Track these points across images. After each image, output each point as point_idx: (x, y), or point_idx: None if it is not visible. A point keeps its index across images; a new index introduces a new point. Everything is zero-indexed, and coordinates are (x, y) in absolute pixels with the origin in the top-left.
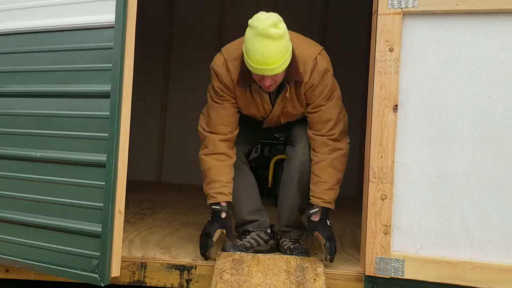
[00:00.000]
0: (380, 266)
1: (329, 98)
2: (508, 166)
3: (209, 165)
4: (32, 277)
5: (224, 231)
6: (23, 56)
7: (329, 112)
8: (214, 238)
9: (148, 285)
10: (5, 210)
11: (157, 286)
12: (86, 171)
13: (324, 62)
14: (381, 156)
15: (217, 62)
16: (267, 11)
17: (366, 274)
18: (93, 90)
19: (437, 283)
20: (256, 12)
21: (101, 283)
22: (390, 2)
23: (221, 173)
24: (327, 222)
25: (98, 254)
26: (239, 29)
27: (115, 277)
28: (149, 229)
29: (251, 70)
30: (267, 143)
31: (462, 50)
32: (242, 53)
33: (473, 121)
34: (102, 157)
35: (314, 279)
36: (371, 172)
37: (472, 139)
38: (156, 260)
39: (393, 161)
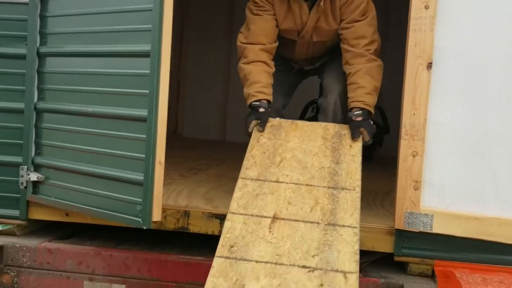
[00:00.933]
0: (410, 220)
1: (364, 15)
2: None
3: (250, 70)
4: (88, 220)
5: (259, 121)
6: (76, 19)
7: (364, 29)
8: (250, 129)
9: (191, 231)
10: (63, 159)
11: (199, 232)
12: (130, 125)
13: None
14: (414, 114)
15: None
16: None
17: (396, 227)
18: (135, 50)
19: (465, 238)
20: None
21: (144, 226)
22: None
23: (262, 76)
24: (370, 122)
25: (141, 200)
26: None
27: (162, 223)
28: (199, 182)
29: None
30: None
31: (500, 4)
32: None
33: (509, 80)
34: (143, 112)
35: (350, 146)
36: (403, 130)
37: (506, 99)
38: (198, 209)
39: (425, 119)
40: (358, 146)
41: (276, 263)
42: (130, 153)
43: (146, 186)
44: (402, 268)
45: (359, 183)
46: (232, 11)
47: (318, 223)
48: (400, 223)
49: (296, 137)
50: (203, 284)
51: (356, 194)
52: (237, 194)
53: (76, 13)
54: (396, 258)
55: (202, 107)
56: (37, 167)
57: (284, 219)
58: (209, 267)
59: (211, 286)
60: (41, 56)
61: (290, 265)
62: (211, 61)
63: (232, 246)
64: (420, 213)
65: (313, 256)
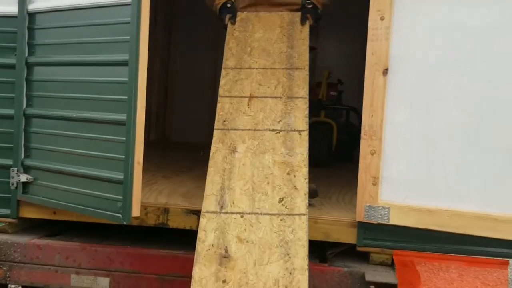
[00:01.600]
0: (369, 213)
1: None
2: (486, 123)
3: None
4: (74, 218)
5: (231, 15)
6: (61, 31)
7: None
8: (226, 22)
9: (170, 226)
10: (50, 161)
11: (178, 228)
12: (110, 129)
13: None
14: (371, 116)
15: None
16: None
17: (358, 220)
18: (114, 59)
19: (418, 228)
20: None
21: (123, 222)
22: None
23: None
24: (318, 11)
25: (121, 197)
26: None
27: (143, 219)
28: (180, 182)
29: None
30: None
31: (448, 18)
32: None
33: (457, 85)
34: (123, 116)
35: (301, 31)
36: (362, 130)
37: (454, 100)
38: (177, 206)
39: (381, 120)
40: (306, 30)
41: (254, 130)
42: (111, 154)
43: (125, 185)
44: (365, 258)
45: (307, 62)
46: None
47: (280, 97)
48: (360, 216)
49: (260, 28)
50: (182, 276)
51: (305, 72)
52: (222, 81)
53: (61, 25)
54: (359, 249)
55: (190, 111)
56: (26, 169)
57: (257, 97)
58: (187, 260)
59: (215, 150)
60: (29, 66)
61: (264, 130)
62: (198, 66)
63: (224, 121)
64: (378, 206)
65: (278, 122)
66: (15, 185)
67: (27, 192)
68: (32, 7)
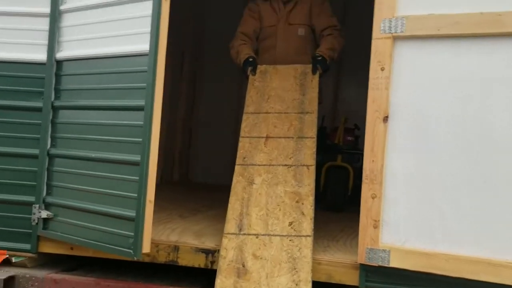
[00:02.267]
0: (370, 256)
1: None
2: (480, 171)
3: (239, 44)
4: (90, 253)
5: (252, 68)
6: (84, 77)
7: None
8: (248, 73)
9: (180, 264)
10: (70, 198)
11: (187, 265)
12: (125, 169)
13: None
14: (372, 161)
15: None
16: None
17: (359, 262)
18: (131, 104)
19: (418, 272)
20: None
21: (134, 257)
22: (382, 28)
23: (248, 48)
24: (326, 62)
25: (133, 234)
26: None
27: (155, 256)
28: (195, 222)
29: None
30: (320, 149)
31: (442, 69)
32: None
33: (452, 133)
34: (137, 157)
35: (311, 80)
36: (364, 174)
37: (450, 147)
38: (186, 244)
39: (382, 165)
40: (316, 79)
41: (269, 165)
42: (125, 192)
43: (137, 222)
44: None
45: (316, 107)
46: None
47: (292, 137)
48: (362, 258)
49: (277, 78)
50: None
51: (315, 115)
52: (243, 124)
53: (85, 72)
54: None
55: (213, 153)
56: (47, 206)
57: (272, 137)
58: None
59: (235, 182)
60: (55, 109)
61: (277, 165)
62: (222, 109)
63: (244, 158)
64: (379, 249)
65: (290, 158)
66: (36, 221)
67: (47, 228)
68: (59, 55)
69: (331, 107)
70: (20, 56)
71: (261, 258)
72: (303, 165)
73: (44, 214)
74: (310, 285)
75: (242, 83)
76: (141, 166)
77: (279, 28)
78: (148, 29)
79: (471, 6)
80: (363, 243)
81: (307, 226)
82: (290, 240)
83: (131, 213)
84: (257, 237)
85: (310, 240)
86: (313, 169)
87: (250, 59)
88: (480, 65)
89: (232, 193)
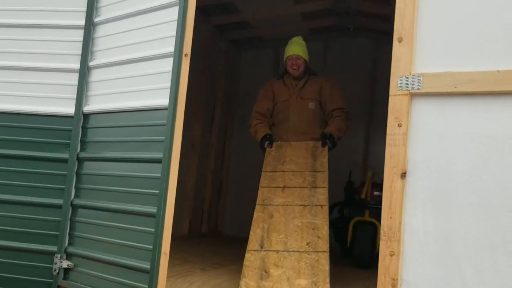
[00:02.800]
0: None
1: (336, 93)
2: (501, 232)
3: (255, 123)
4: None
5: (268, 142)
6: (108, 130)
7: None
8: (265, 146)
9: None
10: (90, 249)
11: None
12: (142, 220)
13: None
14: (390, 217)
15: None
16: None
17: None
18: (150, 157)
19: None
20: None
21: None
22: (399, 85)
23: (265, 126)
24: (334, 139)
25: (147, 286)
26: None
27: None
28: (216, 275)
29: (287, 54)
30: (347, 204)
31: (460, 126)
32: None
33: (471, 190)
34: (153, 209)
35: (321, 151)
36: (382, 231)
37: (469, 206)
38: None
39: (400, 222)
40: (326, 151)
41: (286, 205)
42: (141, 244)
43: (151, 274)
44: None
45: (326, 168)
46: None
47: (306, 187)
48: None
49: (291, 150)
50: None
51: (325, 173)
52: (262, 179)
53: (108, 125)
54: None
55: (242, 205)
56: (68, 256)
57: (289, 187)
58: None
59: (256, 216)
60: (80, 160)
61: (294, 205)
62: (252, 162)
63: (263, 200)
64: None
65: (305, 200)
66: (57, 271)
67: (67, 278)
68: (87, 109)
69: (362, 162)
70: (49, 109)
71: (282, 267)
72: (317, 205)
73: (65, 264)
74: (328, 286)
75: None
76: (157, 218)
77: (291, 102)
78: (168, 84)
79: (488, 64)
80: None
81: (323, 244)
82: (307, 254)
83: (146, 265)
84: (277, 253)
85: (326, 254)
86: (326, 208)
87: (267, 136)
88: (499, 123)
89: (253, 223)
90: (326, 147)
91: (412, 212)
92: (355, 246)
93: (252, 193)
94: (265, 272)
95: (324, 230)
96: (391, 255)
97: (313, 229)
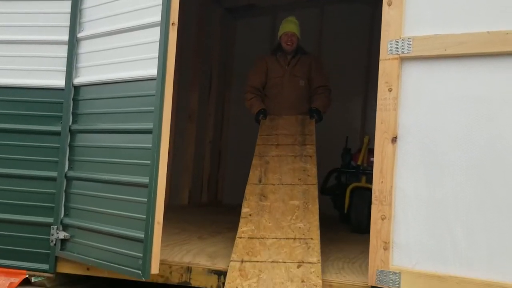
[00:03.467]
0: (381, 278)
1: (323, 71)
2: (491, 192)
3: (250, 97)
4: (105, 274)
5: (263, 115)
6: (98, 102)
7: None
8: (260, 119)
9: (193, 285)
10: (85, 220)
11: (200, 286)
12: (135, 191)
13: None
14: (381, 182)
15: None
16: None
17: (370, 284)
18: (141, 127)
19: None
20: None
21: (143, 278)
22: (389, 49)
23: (259, 101)
24: (320, 113)
25: (141, 255)
26: None
27: (168, 277)
28: (212, 243)
29: (282, 31)
30: (344, 171)
31: (450, 89)
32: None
33: (462, 152)
34: (145, 179)
35: (310, 122)
36: (373, 196)
37: (459, 167)
38: (199, 266)
39: (391, 186)
40: (313, 122)
41: (280, 156)
42: (134, 214)
43: (146, 243)
44: None
45: (314, 133)
46: None
47: (297, 145)
48: (372, 280)
49: (283, 121)
50: None
51: (313, 136)
52: (258, 141)
53: (99, 97)
54: None
55: (242, 174)
56: (65, 227)
57: (282, 144)
58: None
59: (254, 162)
60: (72, 133)
61: (287, 156)
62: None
63: (260, 153)
64: (389, 271)
65: (296, 153)
66: (54, 242)
67: (64, 248)
68: (77, 81)
69: (360, 128)
70: (39, 82)
71: (278, 193)
72: (307, 156)
73: (62, 235)
74: (317, 206)
75: None
76: (149, 188)
77: (285, 79)
78: (156, 54)
79: (477, 26)
80: (374, 265)
81: (313, 179)
82: (299, 186)
83: (140, 234)
84: (273, 185)
85: (315, 186)
86: (315, 158)
87: (262, 110)
88: (488, 84)
89: (251, 168)
90: (314, 120)
91: (403, 176)
92: (352, 212)
93: (251, 161)
94: (264, 196)
95: (313, 171)
96: (383, 219)
97: (303, 170)
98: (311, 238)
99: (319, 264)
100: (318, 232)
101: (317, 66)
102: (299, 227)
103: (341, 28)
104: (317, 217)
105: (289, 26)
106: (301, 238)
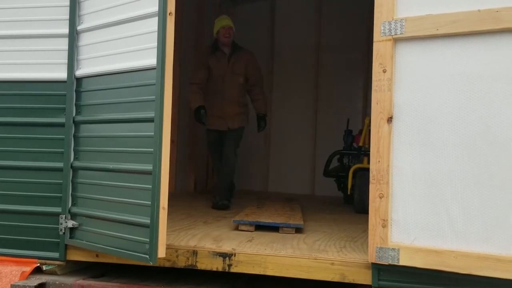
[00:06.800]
0: (380, 255)
1: (259, 69)
2: (485, 169)
3: (193, 91)
4: (114, 260)
5: (204, 111)
6: (101, 93)
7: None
8: (201, 118)
9: (199, 268)
10: (92, 208)
11: (206, 269)
12: (139, 178)
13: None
14: (378, 161)
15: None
16: None
17: (370, 261)
18: (143, 116)
19: (427, 269)
20: None
21: (150, 262)
22: (382, 31)
23: (200, 98)
24: (265, 118)
25: (148, 240)
26: None
27: (175, 261)
28: (217, 227)
29: (219, 26)
30: (347, 153)
31: (444, 68)
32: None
33: (455, 130)
34: (149, 167)
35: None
36: (371, 175)
37: (454, 145)
38: (204, 249)
39: (388, 165)
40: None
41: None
42: (140, 200)
43: (152, 228)
44: None
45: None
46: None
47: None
48: (372, 257)
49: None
50: None
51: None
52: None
53: (101, 88)
54: None
55: (246, 160)
56: (73, 216)
57: None
58: None
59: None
60: (76, 124)
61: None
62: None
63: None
64: (388, 248)
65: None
66: (63, 231)
67: (73, 236)
68: (79, 73)
69: (362, 109)
70: (42, 75)
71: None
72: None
73: (70, 223)
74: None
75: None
76: (153, 175)
77: (226, 77)
78: (155, 44)
79: (468, 4)
80: (373, 242)
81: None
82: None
83: (146, 220)
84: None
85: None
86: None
87: (202, 110)
88: (481, 62)
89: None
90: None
91: (399, 155)
92: (355, 193)
93: (253, 149)
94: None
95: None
96: (381, 197)
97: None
98: (296, 215)
99: (302, 220)
100: (301, 214)
101: (255, 64)
102: (288, 213)
103: (341, 8)
104: (300, 210)
105: (224, 21)
106: (289, 214)
